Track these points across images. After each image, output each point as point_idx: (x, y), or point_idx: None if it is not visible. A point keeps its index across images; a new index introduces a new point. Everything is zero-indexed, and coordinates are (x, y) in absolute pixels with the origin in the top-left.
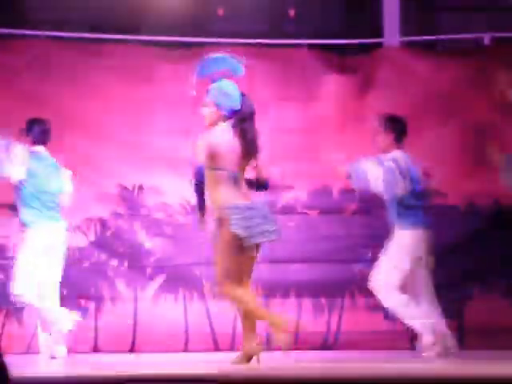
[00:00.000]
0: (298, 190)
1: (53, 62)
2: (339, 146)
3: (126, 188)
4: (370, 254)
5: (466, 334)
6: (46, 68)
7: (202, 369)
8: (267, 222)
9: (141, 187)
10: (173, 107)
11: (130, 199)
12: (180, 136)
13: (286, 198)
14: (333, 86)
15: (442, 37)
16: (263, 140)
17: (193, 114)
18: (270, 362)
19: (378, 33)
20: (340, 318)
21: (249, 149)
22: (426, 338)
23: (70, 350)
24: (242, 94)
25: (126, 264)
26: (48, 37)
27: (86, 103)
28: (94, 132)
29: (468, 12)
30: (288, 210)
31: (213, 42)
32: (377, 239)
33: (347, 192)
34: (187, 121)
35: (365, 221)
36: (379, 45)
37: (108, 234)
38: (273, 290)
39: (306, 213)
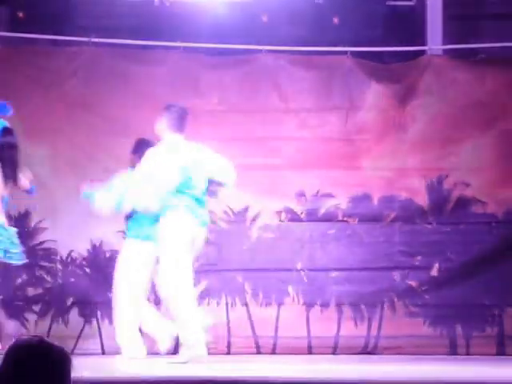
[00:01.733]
0: (338, 198)
1: (101, 69)
2: (380, 154)
3: None
4: (409, 262)
5: (506, 341)
6: (93, 75)
7: (244, 372)
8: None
9: None
10: (218, 115)
11: None
12: (225, 144)
13: (326, 205)
14: (375, 94)
15: (485, 45)
16: (304, 148)
17: (239, 123)
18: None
19: (421, 40)
20: (380, 325)
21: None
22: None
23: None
24: (5, 128)
25: None
26: (96, 43)
27: (133, 110)
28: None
29: (511, 20)
30: (328, 218)
31: (256, 50)
32: (416, 247)
33: (387, 200)
34: (234, 129)
35: (405, 228)
36: (422, 52)
37: None
38: (313, 299)
39: (346, 221)
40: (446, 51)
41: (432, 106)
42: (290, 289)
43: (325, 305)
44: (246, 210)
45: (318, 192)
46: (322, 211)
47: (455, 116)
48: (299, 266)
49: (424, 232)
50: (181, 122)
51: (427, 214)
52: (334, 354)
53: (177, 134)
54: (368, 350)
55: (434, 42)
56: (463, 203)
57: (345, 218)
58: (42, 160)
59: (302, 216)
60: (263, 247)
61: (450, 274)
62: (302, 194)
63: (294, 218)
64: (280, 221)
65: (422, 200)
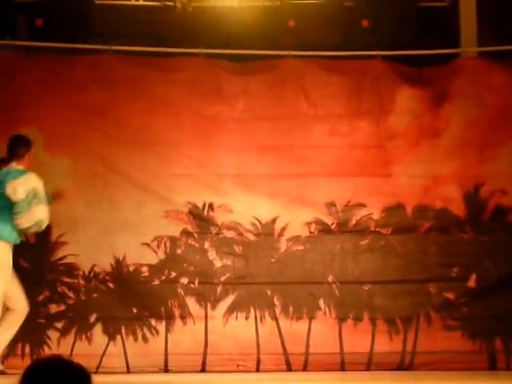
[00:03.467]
0: (370, 208)
1: (121, 77)
2: (414, 161)
3: (196, 206)
4: (445, 273)
5: None
6: (113, 83)
7: None
8: None
9: (211, 205)
10: (244, 122)
11: (200, 217)
12: (250, 152)
13: (358, 215)
14: (407, 98)
15: None
16: (334, 155)
17: (266, 130)
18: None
19: (455, 43)
20: (416, 339)
21: None
22: None
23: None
24: None
25: (196, 282)
26: (115, 51)
27: (154, 118)
28: (162, 148)
29: None
30: (360, 229)
31: (284, 55)
32: (451, 258)
33: (422, 209)
34: (260, 136)
35: (440, 239)
36: (455, 55)
37: (178, 251)
38: (345, 312)
39: (378, 231)
40: (480, 53)
41: (467, 110)
42: (322, 302)
43: (358, 319)
44: (274, 221)
45: (349, 202)
46: (354, 222)
47: (492, 120)
48: (330, 279)
49: (460, 242)
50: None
51: (464, 224)
52: (367, 370)
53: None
54: (404, 365)
55: (469, 44)
56: (501, 212)
57: (377, 229)
58: (62, 171)
59: (333, 227)
60: (292, 260)
61: (488, 285)
62: (332, 204)
63: (324, 229)
64: (310, 232)
65: (458, 209)
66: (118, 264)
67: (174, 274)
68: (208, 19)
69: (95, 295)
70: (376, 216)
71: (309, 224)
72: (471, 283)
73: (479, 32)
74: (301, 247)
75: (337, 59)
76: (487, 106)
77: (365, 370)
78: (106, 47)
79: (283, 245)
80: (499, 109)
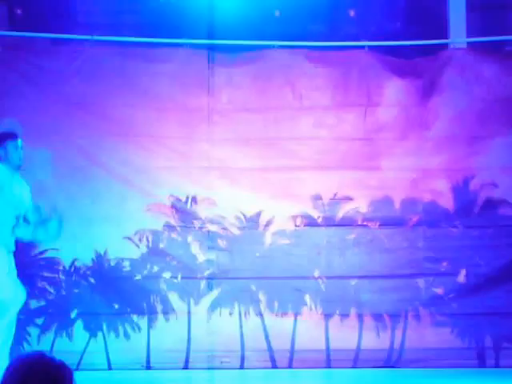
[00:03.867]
0: (357, 201)
1: (103, 68)
2: (401, 154)
3: (179, 199)
4: (434, 268)
5: None
6: (95, 74)
7: None
8: None
9: (194, 198)
10: (229, 115)
11: (183, 211)
12: (235, 145)
13: (344, 209)
14: (395, 90)
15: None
16: (321, 148)
17: (251, 123)
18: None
19: (443, 33)
20: (404, 334)
21: None
22: None
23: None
24: None
25: (179, 277)
26: (98, 41)
27: (137, 110)
28: (145, 140)
29: None
30: (347, 222)
31: (269, 46)
32: (441, 252)
33: (410, 202)
34: (244, 129)
35: (429, 233)
36: (444, 46)
37: (161, 245)
38: (332, 308)
39: (366, 225)
40: (469, 44)
41: (456, 102)
42: (307, 298)
43: (344, 315)
44: (259, 214)
45: (335, 195)
46: (341, 215)
47: (481, 112)
48: (317, 274)
49: (450, 236)
50: None
51: (453, 218)
52: (354, 367)
53: None
54: (391, 363)
55: (457, 34)
56: (491, 205)
57: (365, 223)
58: (41, 163)
59: (319, 220)
60: (278, 254)
61: (478, 280)
62: (318, 198)
63: (310, 222)
64: (295, 226)
65: (448, 202)
66: (99, 258)
67: (156, 269)
68: (192, 9)
69: (76, 290)
70: (363, 209)
71: (294, 217)
72: (461, 278)
73: (468, 22)
74: (286, 241)
75: (323, 50)
76: (476, 98)
77: (351, 367)
78: (88, 37)
79: (268, 239)
80: (489, 101)
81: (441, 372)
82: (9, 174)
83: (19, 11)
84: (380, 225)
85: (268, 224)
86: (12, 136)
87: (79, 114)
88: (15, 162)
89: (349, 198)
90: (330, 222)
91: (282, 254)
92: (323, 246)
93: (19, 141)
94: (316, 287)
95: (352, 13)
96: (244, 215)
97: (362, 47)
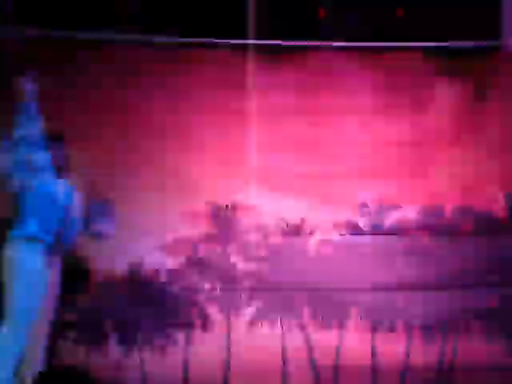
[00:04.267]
0: (405, 209)
1: (142, 68)
2: (452, 159)
3: (218, 207)
4: (487, 279)
5: None
6: (131, 75)
7: None
8: None
9: (234, 206)
10: (270, 118)
11: (222, 219)
12: (277, 150)
13: (393, 217)
14: (446, 93)
15: None
16: (368, 153)
17: (294, 127)
18: None
19: (497, 34)
20: (454, 349)
21: None
22: None
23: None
24: None
25: (218, 288)
26: (132, 41)
27: (176, 114)
28: (184, 145)
29: None
30: (395, 231)
31: (316, 46)
32: (493, 262)
33: (462, 211)
34: (286, 133)
35: (480, 242)
36: (497, 48)
37: (199, 255)
38: (379, 321)
39: (415, 234)
40: None
41: (510, 106)
42: (353, 310)
43: (392, 328)
44: (302, 222)
45: (383, 202)
46: (388, 224)
47: None
48: (362, 285)
49: (503, 246)
50: None
51: (506, 226)
52: (401, 382)
53: None
54: (441, 379)
55: (511, 35)
56: None
57: (414, 231)
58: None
59: (366, 229)
60: (322, 264)
61: None
62: (364, 205)
63: (355, 231)
64: (340, 234)
65: (501, 211)
66: (136, 268)
67: (194, 279)
68: (231, 8)
69: (111, 302)
70: (412, 217)
71: (339, 225)
72: None
73: None
74: (330, 250)
75: (371, 51)
76: None
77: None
78: (128, 36)
79: (311, 247)
80: None
81: None
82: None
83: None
84: (430, 234)
85: (311, 232)
86: (57, 139)
87: (115, 118)
88: (57, 166)
89: (397, 206)
90: (376, 231)
91: (325, 264)
92: (369, 255)
93: (63, 144)
94: (362, 299)
95: (400, 12)
96: (286, 223)
97: (413, 49)
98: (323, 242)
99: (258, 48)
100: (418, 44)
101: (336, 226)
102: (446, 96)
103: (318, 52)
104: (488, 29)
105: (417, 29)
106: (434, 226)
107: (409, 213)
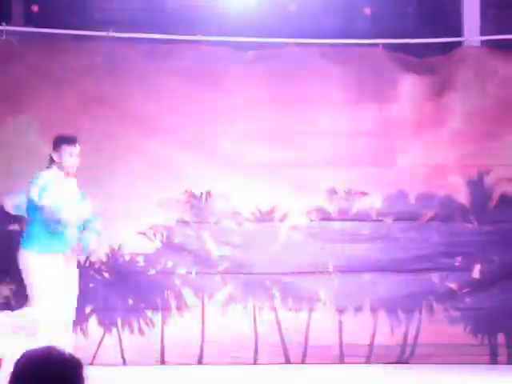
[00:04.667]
0: (372, 196)
1: (119, 63)
2: (416, 149)
3: (193, 194)
4: (449, 263)
5: None
6: (111, 70)
7: (272, 382)
8: None
9: (209, 194)
10: (243, 110)
11: (197, 206)
12: (249, 140)
13: (359, 204)
14: (409, 87)
15: None
16: (335, 143)
17: (266, 119)
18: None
19: (457, 31)
20: (418, 330)
21: None
22: None
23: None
24: None
25: (194, 272)
26: (115, 38)
27: (155, 105)
28: (160, 134)
29: None
30: (361, 217)
31: (284, 43)
32: (456, 247)
33: (425, 197)
34: (258, 124)
35: (443, 228)
36: (458, 44)
37: (175, 241)
38: (345, 303)
39: (380, 220)
40: (483, 42)
41: (471, 99)
42: (322, 293)
43: (358, 309)
44: (273, 209)
45: (350, 190)
46: (355, 210)
47: (497, 109)
48: (331, 269)
49: (464, 231)
50: None
51: (468, 213)
52: (367, 363)
53: None
54: (404, 359)
55: (471, 32)
56: (506, 201)
57: (379, 217)
58: None
59: (334, 215)
60: (292, 249)
61: (492, 275)
62: (333, 192)
63: (325, 217)
64: (310, 220)
65: (463, 197)
66: (114, 253)
67: (170, 264)
68: (208, 5)
69: (91, 285)
70: (378, 204)
71: (309, 212)
72: (475, 274)
73: (482, 20)
74: (301, 236)
75: (337, 47)
76: (490, 96)
77: (364, 363)
78: (104, 34)
79: (283, 233)
80: (503, 98)
81: (453, 368)
82: (57, 177)
83: (35, 7)
84: (394, 220)
85: (283, 219)
86: (69, 141)
87: (95, 109)
88: (67, 169)
89: (363, 193)
90: (344, 217)
91: (296, 249)
92: (338, 240)
93: (76, 147)
94: (330, 282)
95: (367, 11)
96: (259, 210)
97: (377, 45)
98: (294, 228)
99: (232, 44)
100: (382, 41)
101: (306, 212)
102: (409, 90)
103: (288, 48)
104: (450, 26)
105: (381, 26)
106: (399, 212)
107: (375, 199)
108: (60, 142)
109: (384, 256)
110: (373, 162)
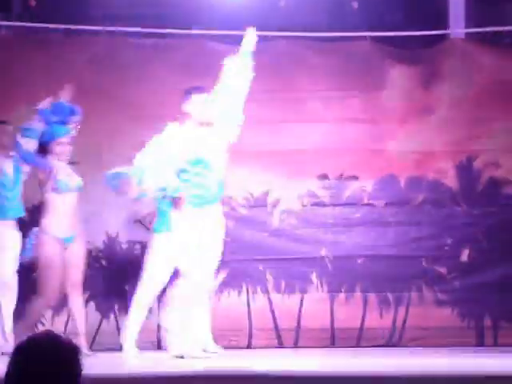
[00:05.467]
0: (363, 181)
1: (115, 58)
2: (406, 137)
3: None
4: (438, 247)
5: None
6: (108, 64)
7: (265, 365)
8: None
9: None
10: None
11: None
12: (244, 129)
13: (350, 188)
14: (397, 76)
15: (509, 28)
16: (327, 130)
17: (258, 107)
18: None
19: (443, 24)
20: (407, 313)
21: None
22: None
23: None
24: None
25: None
26: (110, 32)
27: (149, 98)
28: (157, 124)
29: None
30: (353, 201)
31: (273, 36)
32: (445, 230)
33: (414, 181)
34: (251, 112)
35: (433, 211)
36: (444, 37)
37: None
38: (337, 285)
39: (371, 204)
40: (468, 35)
41: (458, 89)
42: (314, 277)
43: (350, 291)
44: (266, 194)
45: (341, 175)
46: (347, 195)
47: (483, 96)
48: (323, 253)
49: (453, 215)
50: None
51: (456, 197)
52: (357, 346)
53: None
54: (393, 342)
55: (457, 25)
56: (494, 185)
57: (370, 202)
58: None
59: (326, 200)
60: (285, 233)
61: (480, 259)
62: (325, 177)
63: (317, 202)
64: (302, 205)
65: (451, 182)
66: (111, 241)
67: None
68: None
69: (88, 273)
70: (368, 188)
71: (301, 197)
72: (464, 257)
73: (468, 13)
74: (293, 221)
75: (325, 41)
76: (477, 84)
77: (355, 346)
78: (101, 28)
79: (276, 218)
80: (488, 86)
81: (441, 350)
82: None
83: (33, 2)
84: (385, 204)
85: (275, 204)
86: (198, 89)
87: (93, 102)
88: (202, 119)
89: (355, 178)
90: (336, 201)
91: (289, 234)
92: (329, 224)
93: (205, 94)
94: (322, 266)
95: (354, 4)
96: (252, 195)
97: (364, 38)
98: (287, 213)
99: (222, 37)
100: (369, 33)
101: (298, 197)
102: (397, 79)
103: (276, 42)
104: (435, 19)
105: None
106: (389, 196)
107: (366, 184)
108: (189, 91)
109: (375, 240)
110: (363, 148)
